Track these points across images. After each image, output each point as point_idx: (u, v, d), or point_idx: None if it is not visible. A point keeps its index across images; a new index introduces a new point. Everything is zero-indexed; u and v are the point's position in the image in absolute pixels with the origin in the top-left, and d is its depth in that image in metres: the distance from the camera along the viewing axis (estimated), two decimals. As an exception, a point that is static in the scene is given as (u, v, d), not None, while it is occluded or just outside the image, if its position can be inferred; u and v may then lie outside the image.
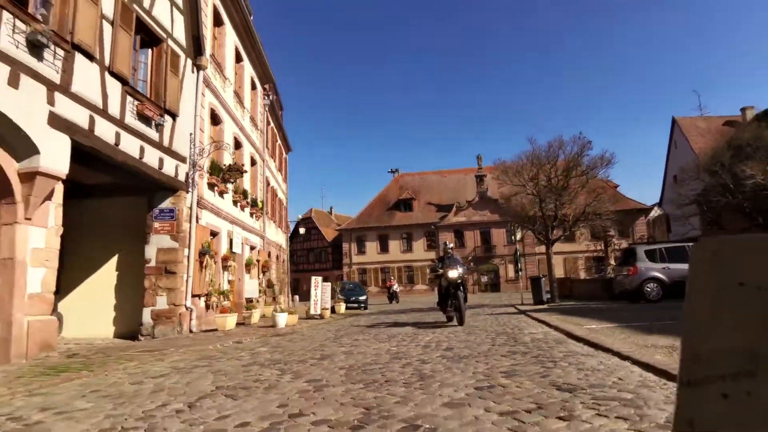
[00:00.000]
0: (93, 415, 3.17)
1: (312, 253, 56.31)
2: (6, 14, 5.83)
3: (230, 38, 14.29)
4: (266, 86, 18.90)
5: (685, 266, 11.29)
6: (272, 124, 21.42)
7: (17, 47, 5.98)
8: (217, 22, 13.39)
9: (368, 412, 2.86)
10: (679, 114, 36.38)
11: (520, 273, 20.87)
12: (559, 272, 29.88)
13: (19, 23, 6.01)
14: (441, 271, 9.39)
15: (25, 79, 6.09)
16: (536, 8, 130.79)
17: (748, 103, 47.96)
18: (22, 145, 6.24)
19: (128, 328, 9.81)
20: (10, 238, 6.19)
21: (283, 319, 10.76)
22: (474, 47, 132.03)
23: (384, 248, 50.18)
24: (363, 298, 20.82)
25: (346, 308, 18.45)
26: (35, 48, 6.24)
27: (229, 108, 13.68)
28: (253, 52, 16.66)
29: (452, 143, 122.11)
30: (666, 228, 37.01)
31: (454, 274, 8.97)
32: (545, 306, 13.67)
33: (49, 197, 6.65)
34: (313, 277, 14.53)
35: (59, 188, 6.84)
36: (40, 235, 6.51)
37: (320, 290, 14.27)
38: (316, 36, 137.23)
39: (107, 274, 10.34)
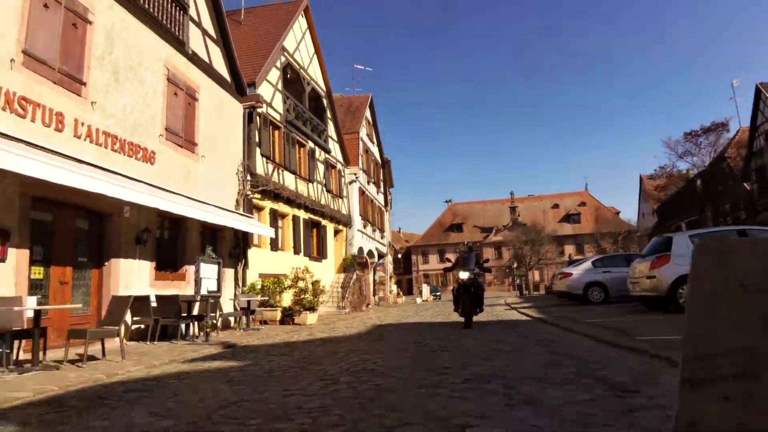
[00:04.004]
0: (401, 310, 22.51)
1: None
2: (371, 227, 25.57)
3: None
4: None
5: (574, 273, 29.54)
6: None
7: (370, 233, 25.67)
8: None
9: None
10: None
11: (516, 282, 39.37)
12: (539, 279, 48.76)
13: (370, 227, 25.70)
14: (452, 272, 9.39)
15: (367, 237, 25.74)
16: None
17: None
18: (373, 257, 25.89)
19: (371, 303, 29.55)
20: (367, 279, 25.78)
21: (419, 300, 30.18)
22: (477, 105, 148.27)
23: (442, 260, 68.98)
24: (439, 293, 39.87)
25: (433, 298, 37.66)
26: (379, 232, 25.91)
27: (388, 207, 33.29)
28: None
29: (493, 176, 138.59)
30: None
31: (463, 275, 8.67)
32: (522, 298, 32.12)
33: (371, 268, 26.29)
34: (424, 284, 33.83)
35: (372, 264, 26.46)
36: (371, 277, 26.14)
37: (426, 289, 33.61)
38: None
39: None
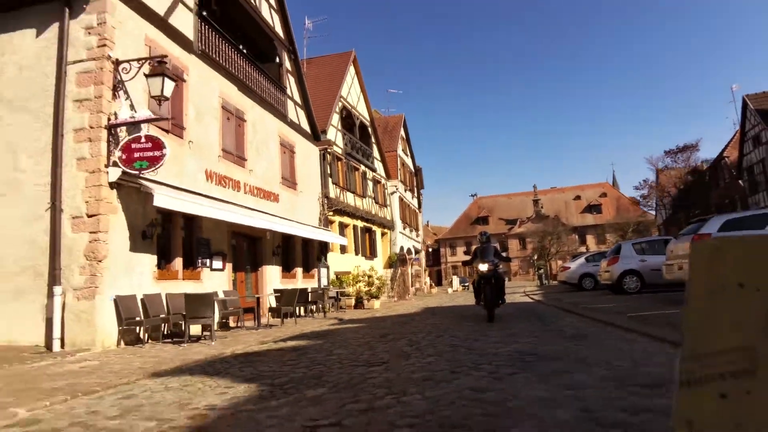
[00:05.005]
0: (437, 298, 27.14)
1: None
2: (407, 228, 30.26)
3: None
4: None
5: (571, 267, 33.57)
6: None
7: (407, 236, 30.36)
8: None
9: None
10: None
11: (539, 272, 43.51)
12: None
13: (407, 228, 30.38)
14: (473, 265, 9.18)
15: (406, 237, 30.43)
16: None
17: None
18: (410, 253, 30.60)
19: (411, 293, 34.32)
20: (407, 272, 30.49)
21: (450, 290, 34.79)
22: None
23: (468, 252, 73.18)
24: (467, 283, 44.37)
25: (462, 288, 42.19)
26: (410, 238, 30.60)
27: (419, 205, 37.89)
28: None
29: (516, 168, 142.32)
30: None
31: (483, 267, 8.67)
32: (540, 286, 36.30)
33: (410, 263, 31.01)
34: (453, 276, 38.38)
35: (410, 260, 31.16)
36: (409, 270, 30.85)
37: (456, 280, 38.13)
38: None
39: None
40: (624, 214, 68.00)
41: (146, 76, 8.08)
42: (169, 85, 8.07)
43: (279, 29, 15.85)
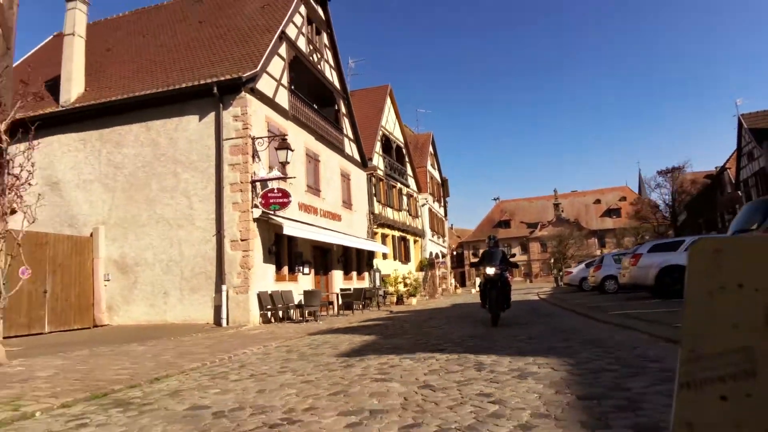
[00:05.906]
0: (462, 297, 31.15)
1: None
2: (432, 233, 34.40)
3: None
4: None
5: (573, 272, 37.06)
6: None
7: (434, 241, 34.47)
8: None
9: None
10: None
11: (559, 275, 47.05)
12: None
13: (435, 235, 34.49)
14: (480, 268, 9.39)
15: (434, 243, 34.53)
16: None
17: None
18: (438, 257, 34.70)
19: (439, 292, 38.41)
20: (435, 273, 34.58)
21: (473, 290, 38.75)
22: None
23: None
24: (489, 284, 48.34)
25: (483, 288, 46.15)
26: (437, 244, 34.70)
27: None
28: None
29: (538, 171, 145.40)
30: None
31: (490, 271, 8.87)
32: (554, 286, 39.84)
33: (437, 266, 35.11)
34: (476, 277, 42.37)
35: (437, 263, 35.25)
36: (437, 273, 34.94)
37: (479, 281, 42.03)
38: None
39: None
40: (641, 219, 70.42)
41: (276, 149, 12.48)
42: (290, 154, 12.44)
43: (336, 83, 20.20)
